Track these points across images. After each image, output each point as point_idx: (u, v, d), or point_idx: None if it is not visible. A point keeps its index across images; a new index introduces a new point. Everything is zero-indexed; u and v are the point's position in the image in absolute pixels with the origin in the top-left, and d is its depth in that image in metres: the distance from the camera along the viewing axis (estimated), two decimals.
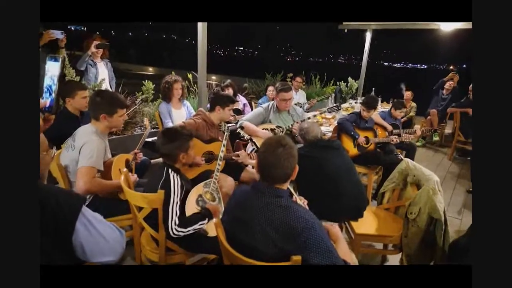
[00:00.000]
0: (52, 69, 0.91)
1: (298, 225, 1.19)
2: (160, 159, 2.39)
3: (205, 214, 1.74)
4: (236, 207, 1.35)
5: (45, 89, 0.93)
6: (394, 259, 2.37)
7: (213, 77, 16.71)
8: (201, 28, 3.53)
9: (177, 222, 1.62)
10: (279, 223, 1.21)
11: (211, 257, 1.88)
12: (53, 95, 0.91)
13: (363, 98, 6.82)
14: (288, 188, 1.38)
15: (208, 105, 2.78)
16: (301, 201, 1.63)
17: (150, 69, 21.18)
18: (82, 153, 1.94)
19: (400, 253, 2.11)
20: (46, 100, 0.90)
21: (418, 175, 2.14)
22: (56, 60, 0.90)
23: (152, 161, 3.07)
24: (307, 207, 1.58)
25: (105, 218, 2.04)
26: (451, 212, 3.28)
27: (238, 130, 2.47)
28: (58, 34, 3.22)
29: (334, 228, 1.47)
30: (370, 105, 3.47)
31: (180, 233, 1.63)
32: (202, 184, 1.93)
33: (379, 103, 6.42)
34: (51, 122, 1.33)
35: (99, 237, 1.12)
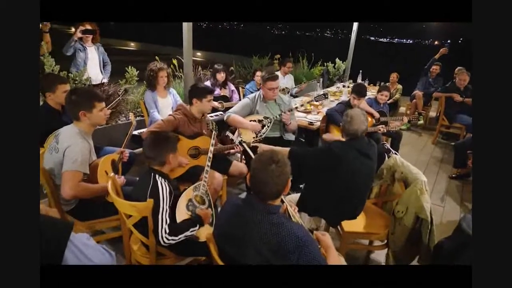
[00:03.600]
0: None
1: (291, 243, 1.19)
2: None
3: (195, 220, 1.73)
4: (227, 222, 1.34)
5: None
6: (379, 254, 2.45)
7: (198, 54, 16.26)
8: (186, 27, 3.38)
9: (167, 230, 1.61)
10: (271, 241, 1.21)
11: (201, 259, 1.89)
12: None
13: (350, 81, 6.84)
14: (281, 199, 1.37)
15: None
16: (292, 208, 1.64)
17: (132, 44, 20.31)
18: (66, 157, 1.87)
19: (386, 249, 2.18)
20: None
21: (406, 173, 2.17)
22: None
23: (136, 151, 3.02)
24: (297, 216, 1.59)
25: (93, 220, 2.05)
26: (434, 199, 3.39)
27: (227, 133, 2.42)
28: None
29: (324, 236, 1.49)
30: (360, 93, 3.49)
31: (171, 241, 1.62)
32: (191, 187, 1.91)
33: (366, 82, 6.45)
34: None
35: (88, 263, 1.09)
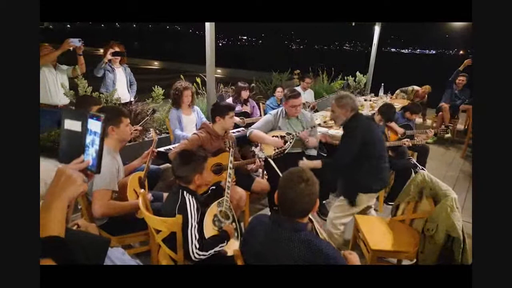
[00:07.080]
0: (94, 128, 0.90)
1: (319, 261, 1.19)
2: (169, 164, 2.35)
3: (223, 236, 1.77)
4: (254, 239, 1.35)
5: (87, 147, 0.93)
6: None
7: (218, 70, 16.66)
8: (209, 36, 3.50)
9: (197, 246, 1.65)
10: (299, 259, 1.21)
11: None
12: (95, 155, 0.90)
13: (372, 94, 6.76)
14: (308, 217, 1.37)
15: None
16: (318, 225, 1.63)
17: (156, 63, 21.10)
18: (96, 177, 1.95)
19: None
20: (88, 159, 0.90)
21: (435, 189, 2.11)
22: (98, 119, 0.89)
23: (162, 166, 3.10)
24: (324, 233, 1.58)
25: (122, 235, 2.11)
26: (466, 217, 3.23)
27: (252, 148, 2.46)
28: (76, 42, 3.35)
29: (352, 255, 1.47)
30: (389, 117, 3.42)
31: (202, 257, 1.66)
32: (215, 203, 1.95)
33: (388, 97, 6.34)
34: (93, 177, 1.41)
35: None
